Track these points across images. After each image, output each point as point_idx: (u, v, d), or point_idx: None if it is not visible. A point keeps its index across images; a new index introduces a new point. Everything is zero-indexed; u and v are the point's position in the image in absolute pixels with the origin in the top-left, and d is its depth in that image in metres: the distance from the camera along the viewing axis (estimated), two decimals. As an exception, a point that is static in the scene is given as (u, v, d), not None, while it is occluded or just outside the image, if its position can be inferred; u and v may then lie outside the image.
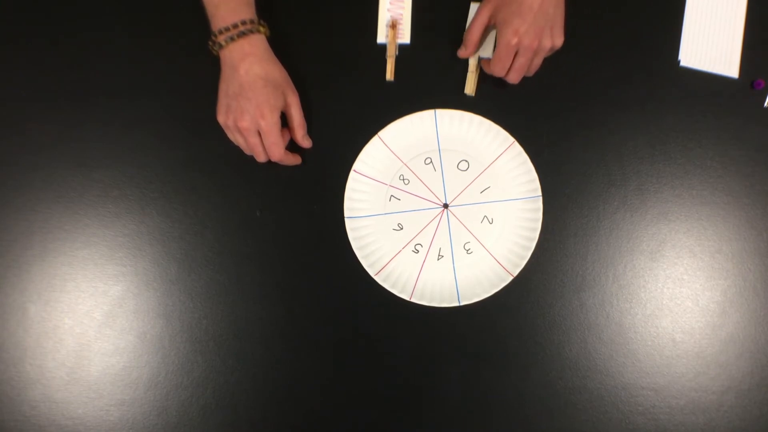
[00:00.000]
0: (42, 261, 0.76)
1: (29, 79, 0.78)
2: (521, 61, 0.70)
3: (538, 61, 0.71)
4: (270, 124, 0.69)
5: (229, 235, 0.76)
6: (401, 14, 0.77)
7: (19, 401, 0.75)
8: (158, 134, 0.77)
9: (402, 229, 0.76)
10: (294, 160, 0.74)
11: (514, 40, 0.68)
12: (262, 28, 0.70)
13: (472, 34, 0.72)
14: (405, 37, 0.77)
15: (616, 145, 0.76)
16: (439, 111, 0.76)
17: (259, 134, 0.70)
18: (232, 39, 0.68)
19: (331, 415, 0.74)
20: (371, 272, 0.74)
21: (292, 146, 0.75)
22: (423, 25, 0.77)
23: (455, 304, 0.74)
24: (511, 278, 0.74)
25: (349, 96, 0.77)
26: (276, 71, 0.70)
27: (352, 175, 0.76)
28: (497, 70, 0.71)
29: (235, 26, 0.68)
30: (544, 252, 0.75)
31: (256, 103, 0.68)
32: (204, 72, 0.76)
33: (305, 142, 0.74)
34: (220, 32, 0.68)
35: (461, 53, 0.75)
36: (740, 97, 0.76)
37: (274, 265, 0.76)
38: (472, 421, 0.74)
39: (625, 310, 0.75)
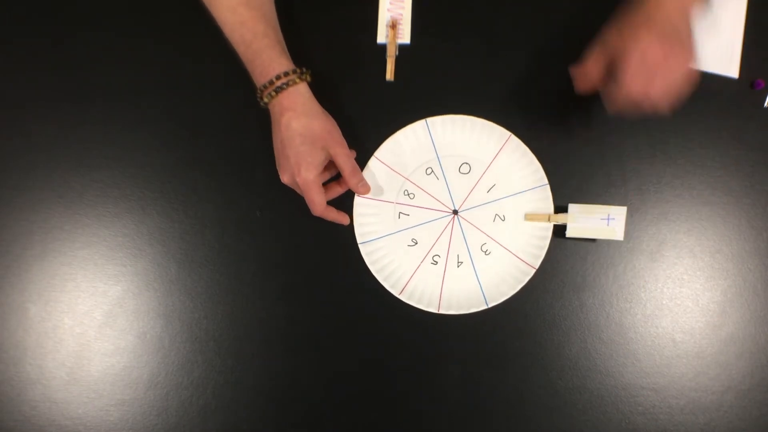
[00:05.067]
0: (42, 261, 0.76)
1: (29, 79, 0.78)
2: None
3: None
4: (305, 181, 0.68)
5: (229, 235, 0.76)
6: (401, 14, 0.77)
7: (19, 401, 0.74)
8: (158, 134, 0.77)
9: (417, 243, 0.75)
10: (340, 218, 0.73)
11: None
12: (299, 79, 0.68)
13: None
14: (405, 37, 0.77)
15: (616, 145, 0.76)
16: (429, 119, 0.75)
17: None
18: (271, 96, 0.67)
19: (331, 416, 0.74)
20: (394, 292, 0.73)
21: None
22: (423, 25, 0.77)
23: (483, 307, 0.73)
24: (533, 271, 0.73)
25: (349, 96, 0.77)
26: (315, 124, 0.68)
27: (356, 200, 0.75)
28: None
29: (271, 83, 0.67)
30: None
31: (295, 161, 0.68)
32: (204, 73, 0.76)
33: (362, 189, 0.73)
34: (261, 90, 0.68)
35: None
36: (740, 97, 0.76)
37: (274, 265, 0.75)
38: (472, 421, 0.74)
39: (625, 310, 0.75)
